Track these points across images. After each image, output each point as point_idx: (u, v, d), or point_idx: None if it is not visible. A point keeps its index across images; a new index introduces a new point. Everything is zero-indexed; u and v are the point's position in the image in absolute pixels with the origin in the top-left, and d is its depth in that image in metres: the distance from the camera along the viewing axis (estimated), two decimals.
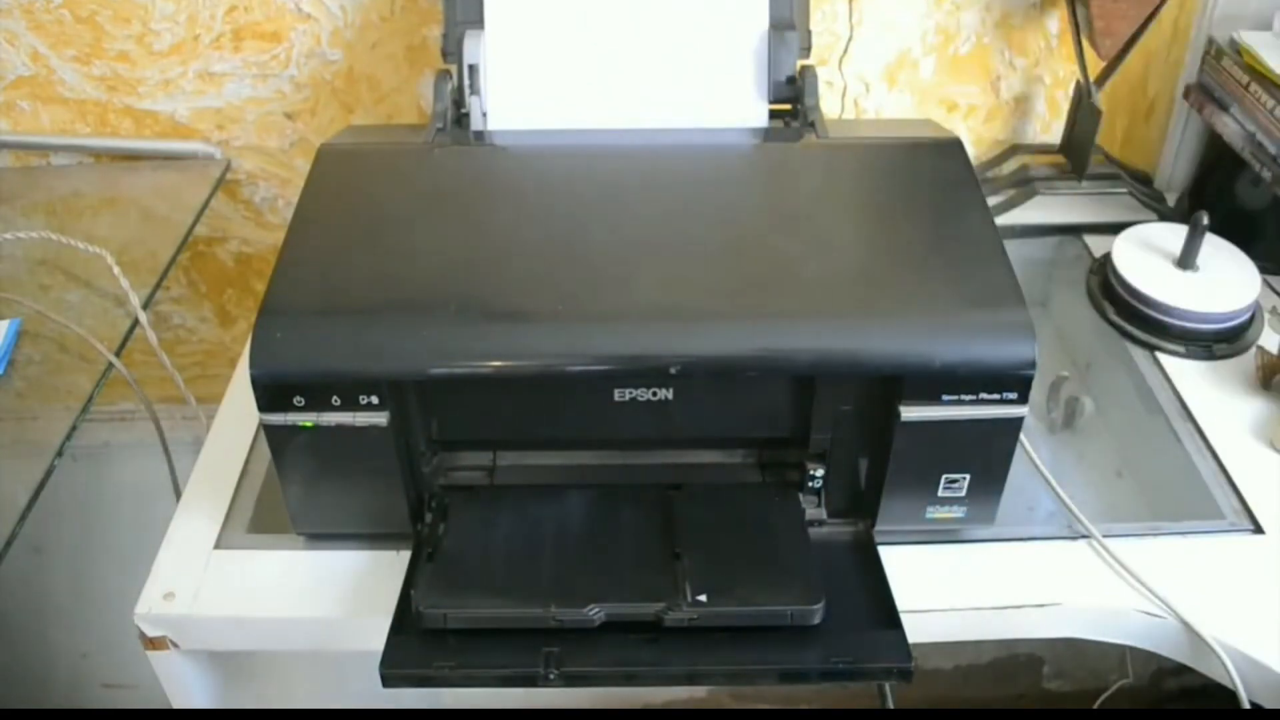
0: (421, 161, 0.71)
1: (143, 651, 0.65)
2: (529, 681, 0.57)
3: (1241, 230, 0.87)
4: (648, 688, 1.33)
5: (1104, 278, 0.87)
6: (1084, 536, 0.68)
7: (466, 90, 0.77)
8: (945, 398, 0.59)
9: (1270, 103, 0.85)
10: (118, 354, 0.78)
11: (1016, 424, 0.60)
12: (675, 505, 0.65)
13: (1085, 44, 0.92)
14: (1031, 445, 0.73)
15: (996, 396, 0.59)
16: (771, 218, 0.66)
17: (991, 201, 0.96)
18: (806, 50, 0.80)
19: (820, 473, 0.66)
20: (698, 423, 0.65)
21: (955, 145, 0.72)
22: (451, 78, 0.78)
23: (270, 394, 0.59)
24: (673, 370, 0.58)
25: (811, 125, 0.76)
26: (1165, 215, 0.97)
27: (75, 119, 0.98)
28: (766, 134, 0.77)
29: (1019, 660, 1.35)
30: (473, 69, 0.76)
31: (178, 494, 0.72)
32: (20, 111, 0.97)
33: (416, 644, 0.57)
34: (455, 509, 0.65)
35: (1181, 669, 0.64)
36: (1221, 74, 0.91)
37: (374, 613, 0.62)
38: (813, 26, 0.82)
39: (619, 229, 0.65)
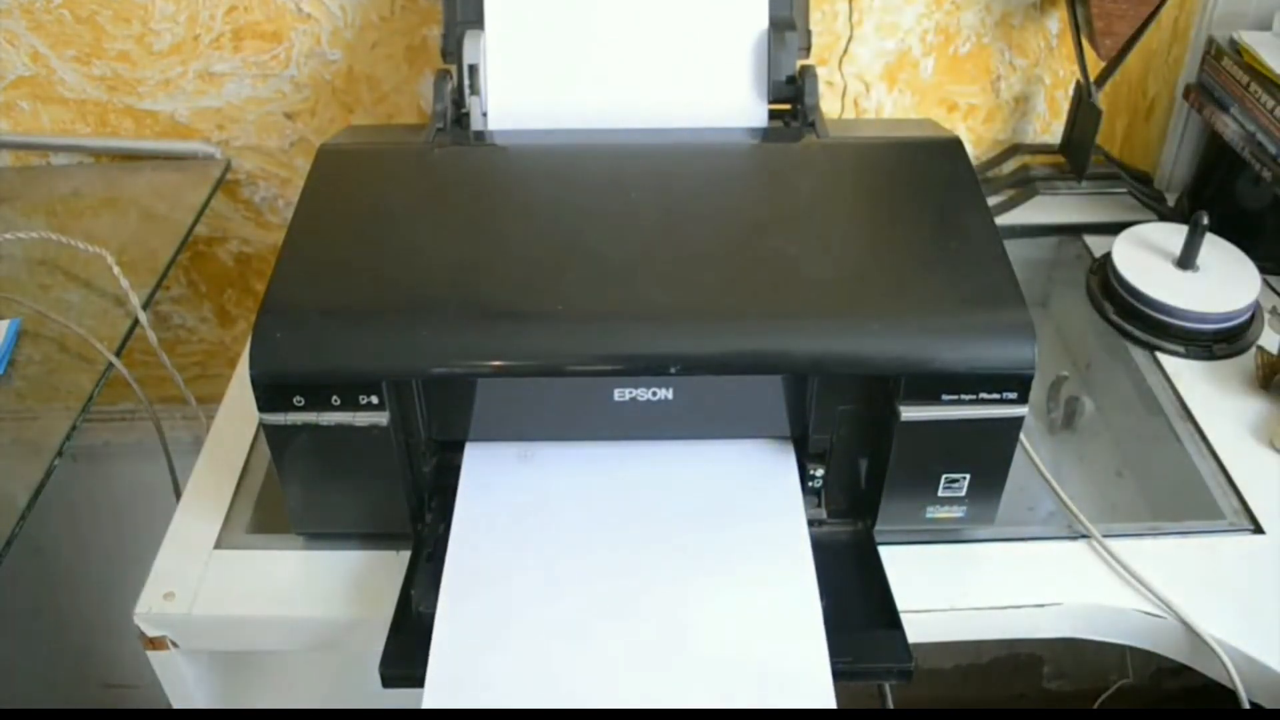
0: (421, 161, 0.71)
1: (143, 651, 0.65)
2: None
3: (1241, 230, 0.87)
4: None
5: (1104, 278, 0.87)
6: (1084, 536, 0.68)
7: (466, 90, 0.77)
8: (945, 398, 0.59)
9: (1270, 103, 0.85)
10: (118, 354, 0.78)
11: (1016, 424, 0.60)
12: None
13: (1085, 44, 0.92)
14: (1031, 445, 0.73)
15: (996, 396, 0.59)
16: (771, 218, 0.66)
17: (991, 201, 0.96)
18: (806, 50, 0.80)
19: (820, 473, 0.66)
20: (698, 423, 0.65)
21: (955, 145, 0.72)
22: (451, 78, 0.78)
23: (270, 394, 0.59)
24: (673, 370, 0.58)
25: (811, 125, 0.76)
26: (1165, 215, 0.97)
27: (75, 119, 0.98)
28: (766, 134, 0.77)
29: (1019, 660, 1.36)
30: (473, 69, 0.76)
31: (178, 494, 0.72)
32: (20, 111, 0.97)
33: (416, 644, 0.57)
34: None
35: (1181, 669, 0.64)
36: (1221, 74, 0.91)
37: (374, 613, 0.62)
38: (813, 26, 0.81)
39: (619, 229, 0.65)
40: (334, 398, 0.59)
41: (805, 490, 0.66)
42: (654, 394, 0.62)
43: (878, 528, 0.66)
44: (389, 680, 0.56)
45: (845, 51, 0.96)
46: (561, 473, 0.66)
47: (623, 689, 0.54)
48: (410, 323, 0.59)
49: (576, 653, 0.56)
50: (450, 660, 0.55)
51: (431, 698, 0.54)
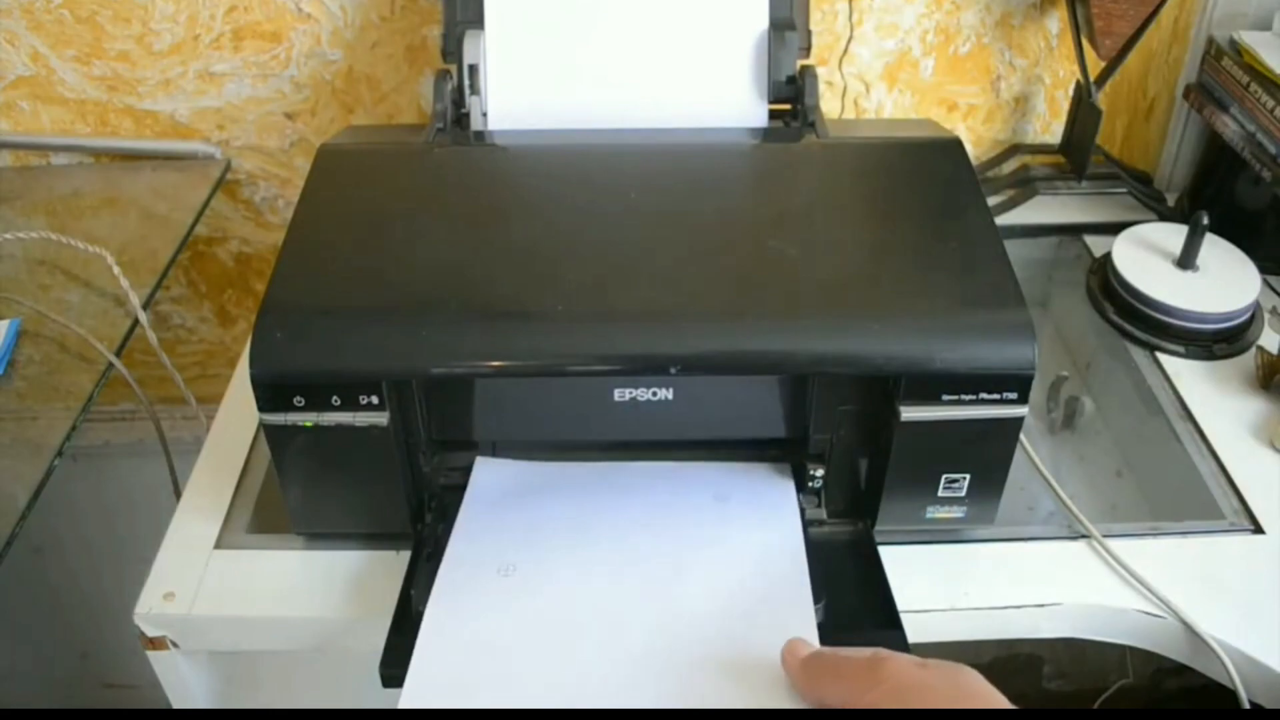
0: (421, 161, 0.71)
1: (143, 651, 0.65)
2: None
3: (1241, 230, 0.88)
4: None
5: (1104, 278, 0.87)
6: (1084, 536, 0.68)
7: (466, 90, 0.77)
8: (945, 398, 0.59)
9: (1270, 103, 0.85)
10: (118, 354, 0.78)
11: (1016, 424, 0.60)
12: None
13: (1085, 44, 0.92)
14: (1031, 445, 0.73)
15: (996, 396, 0.59)
16: (771, 218, 0.66)
17: (991, 201, 0.96)
18: (806, 50, 0.80)
19: (820, 473, 0.66)
20: (698, 423, 0.65)
21: (955, 145, 0.72)
22: (451, 78, 0.78)
23: (270, 394, 0.59)
24: (673, 370, 0.58)
25: (811, 125, 0.76)
26: (1165, 215, 0.97)
27: (75, 119, 0.98)
28: (766, 134, 0.77)
29: (1019, 660, 1.35)
30: (473, 69, 0.76)
31: (178, 494, 0.72)
32: (20, 111, 0.97)
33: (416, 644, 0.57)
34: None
35: (1181, 669, 0.64)
36: (1221, 74, 0.91)
37: (374, 613, 0.62)
38: (813, 26, 0.82)
39: (619, 229, 0.65)
40: (334, 398, 0.59)
41: (805, 490, 0.66)
42: (654, 394, 0.62)
43: (878, 528, 0.66)
44: (389, 680, 0.56)
45: (845, 51, 0.96)
46: (557, 487, 0.66)
47: (617, 689, 0.54)
48: (410, 323, 0.59)
49: (566, 656, 0.55)
50: (433, 664, 0.55)
51: (409, 698, 0.53)
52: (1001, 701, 0.46)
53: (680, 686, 0.53)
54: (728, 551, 0.61)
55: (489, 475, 0.67)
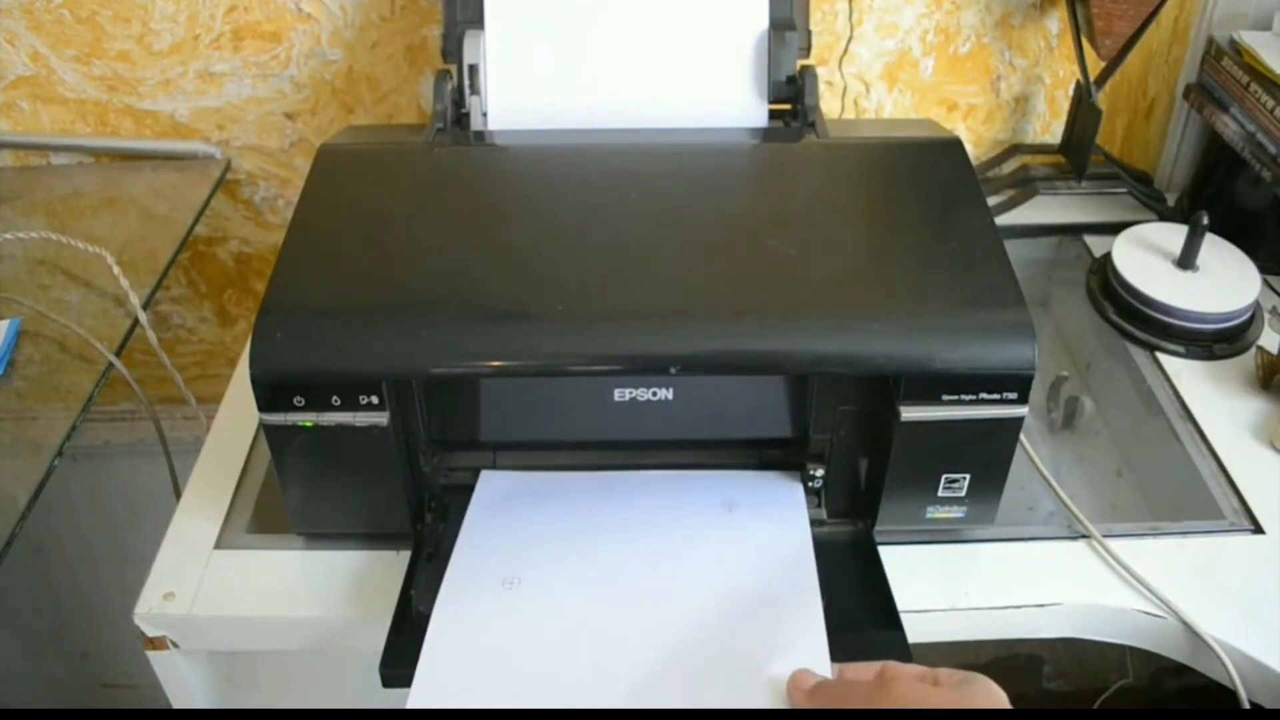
0: (421, 161, 0.71)
1: (143, 651, 0.65)
2: None
3: (1241, 230, 0.88)
4: None
5: (1104, 278, 0.87)
6: (1084, 536, 0.68)
7: (466, 90, 0.77)
8: (945, 398, 0.59)
9: (1270, 103, 0.85)
10: (118, 354, 0.78)
11: (1016, 424, 0.60)
12: None
13: (1085, 44, 0.92)
14: (1031, 445, 0.73)
15: (996, 396, 0.59)
16: (771, 218, 0.66)
17: (991, 201, 0.96)
18: (806, 50, 0.80)
19: (820, 473, 0.66)
20: (698, 423, 0.65)
21: (955, 145, 0.72)
22: (451, 78, 0.78)
23: (270, 394, 0.59)
24: (673, 370, 0.58)
25: (811, 125, 0.76)
26: (1165, 215, 0.97)
27: (75, 119, 0.98)
28: (766, 134, 0.77)
29: (1019, 660, 1.36)
30: (473, 69, 0.76)
31: (178, 494, 0.72)
32: (20, 111, 0.97)
33: (416, 644, 0.57)
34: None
35: (1181, 669, 0.64)
36: (1221, 74, 0.91)
37: (374, 613, 0.62)
38: (813, 26, 0.82)
39: (619, 229, 0.65)
40: (334, 398, 0.59)
41: (805, 490, 0.66)
42: (654, 394, 0.62)
43: (878, 528, 0.66)
44: (389, 680, 0.56)
45: (845, 51, 0.96)
46: (562, 498, 0.66)
47: (620, 690, 0.54)
48: (410, 323, 0.59)
49: (571, 667, 0.55)
50: (437, 678, 0.55)
51: (417, 698, 0.53)
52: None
53: (689, 697, 0.53)
54: (736, 560, 0.61)
55: (494, 486, 0.67)
